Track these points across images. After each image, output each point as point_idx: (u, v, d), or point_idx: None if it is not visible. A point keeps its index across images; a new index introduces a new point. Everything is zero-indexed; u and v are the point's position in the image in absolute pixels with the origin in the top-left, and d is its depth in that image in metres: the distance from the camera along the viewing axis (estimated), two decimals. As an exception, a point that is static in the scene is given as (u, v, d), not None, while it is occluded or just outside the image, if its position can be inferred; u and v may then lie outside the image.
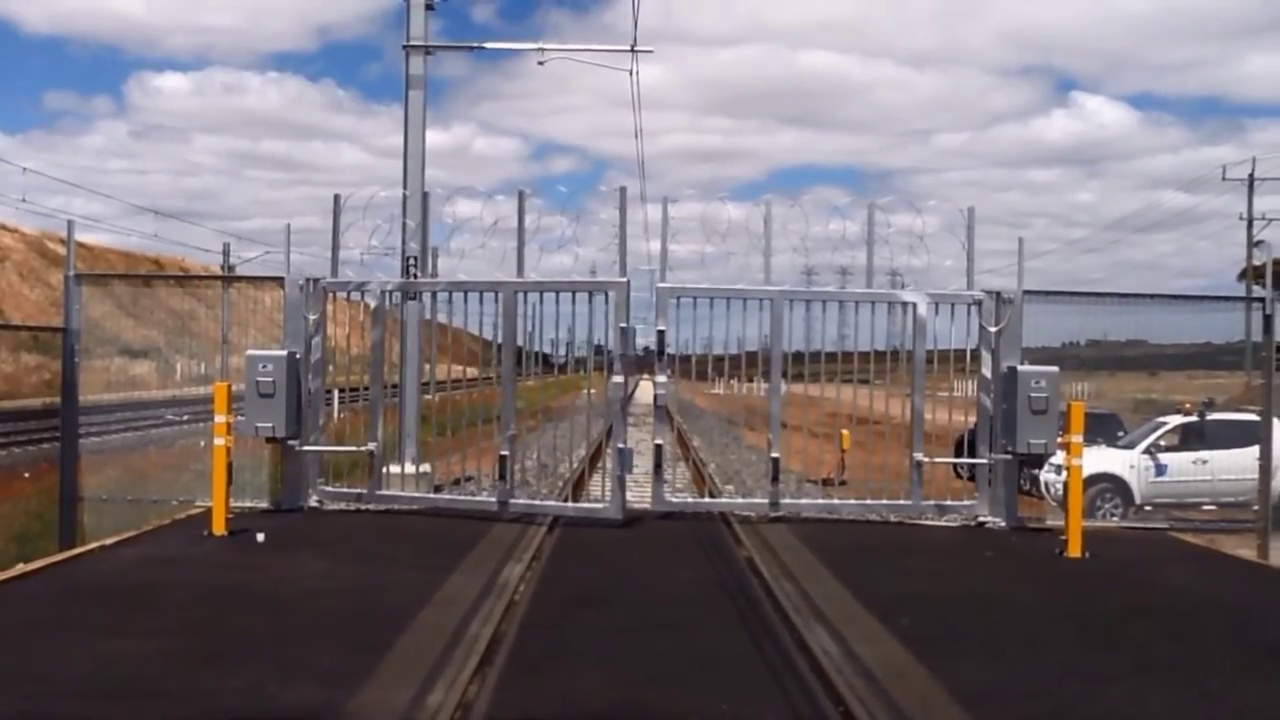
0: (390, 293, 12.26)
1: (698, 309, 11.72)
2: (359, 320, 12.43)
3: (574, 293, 11.55)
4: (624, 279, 11.33)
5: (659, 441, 11.68)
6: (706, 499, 12.16)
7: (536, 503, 11.58)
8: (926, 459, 11.69)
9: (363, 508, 11.71)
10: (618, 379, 11.26)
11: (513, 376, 11.94)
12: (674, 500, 12.05)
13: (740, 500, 12.23)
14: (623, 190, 11.52)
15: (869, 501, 11.84)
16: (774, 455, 11.67)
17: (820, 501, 12.15)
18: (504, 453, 11.35)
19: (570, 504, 11.55)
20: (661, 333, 11.53)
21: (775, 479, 11.71)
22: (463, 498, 11.87)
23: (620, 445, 11.19)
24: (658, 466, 11.68)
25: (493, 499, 11.46)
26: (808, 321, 11.98)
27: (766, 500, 11.72)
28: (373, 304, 12.14)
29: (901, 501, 11.70)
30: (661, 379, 11.69)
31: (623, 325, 11.20)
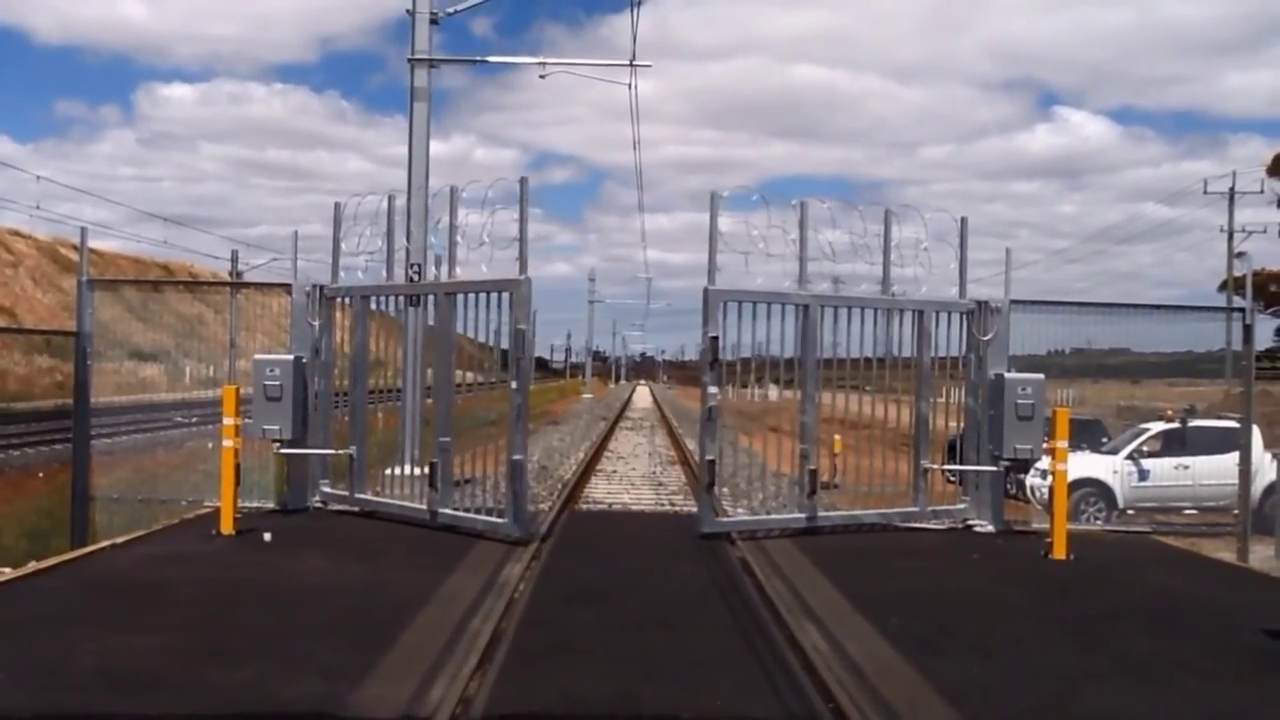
0: (365, 298, 12.08)
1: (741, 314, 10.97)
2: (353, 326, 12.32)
3: (483, 294, 10.87)
4: (523, 277, 10.44)
5: (710, 457, 10.79)
6: (751, 517, 11.15)
7: (460, 514, 10.72)
8: (934, 466, 11.69)
9: (352, 509, 11.63)
10: (514, 384, 10.45)
11: (449, 382, 11.21)
12: (723, 520, 11.16)
13: (779, 517, 11.21)
14: (523, 181, 10.65)
15: (885, 510, 11.56)
16: (811, 468, 11.14)
17: (845, 513, 11.64)
18: (434, 461, 10.90)
19: (481, 517, 10.55)
20: (715, 339, 10.67)
21: (813, 491, 11.17)
22: (411, 505, 11.33)
23: (516, 457, 10.27)
24: (710, 485, 10.88)
25: (424, 507, 11.03)
26: (835, 328, 11.45)
27: (804, 515, 11.17)
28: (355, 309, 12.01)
29: (910, 508, 11.58)
30: (713, 389, 10.73)
31: (520, 327, 10.38)
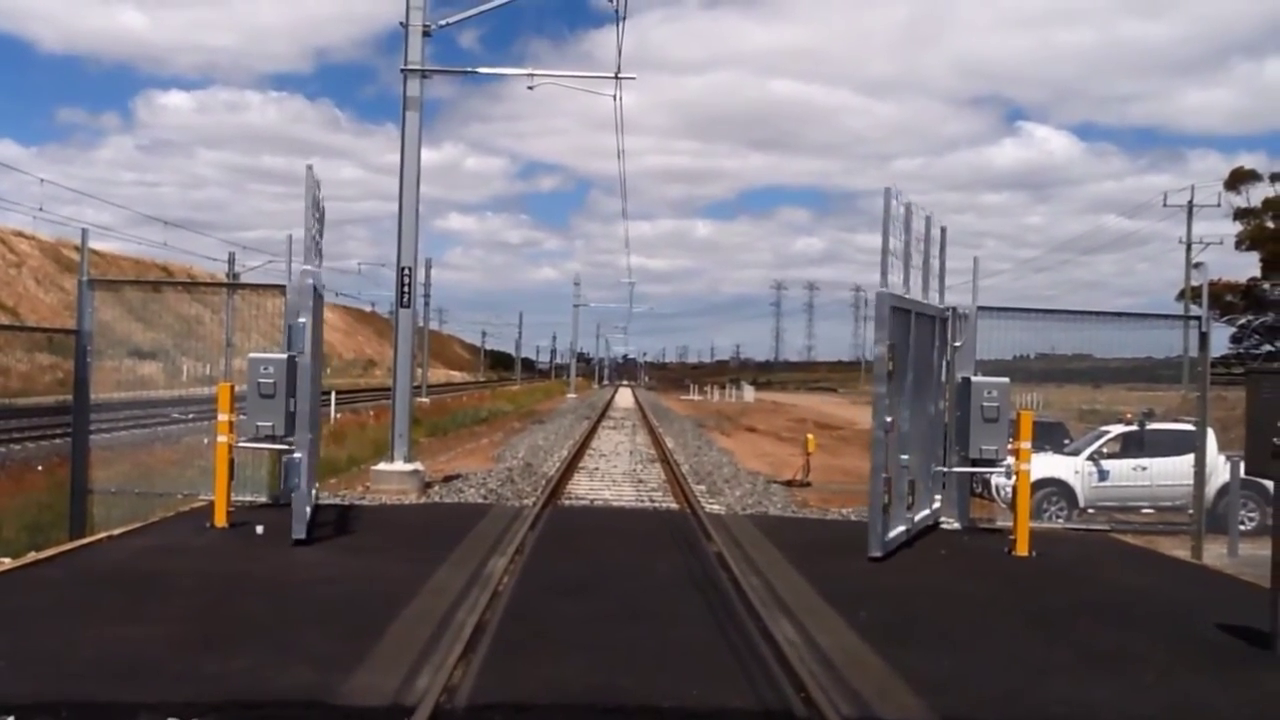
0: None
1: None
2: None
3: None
4: (310, 267, 10.14)
5: (886, 475, 9.77)
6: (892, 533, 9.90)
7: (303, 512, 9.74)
8: (942, 469, 11.69)
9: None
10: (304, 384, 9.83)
11: (309, 379, 10.31)
12: (887, 540, 9.84)
13: (893, 534, 10.05)
14: (309, 169, 10.28)
15: (920, 514, 11.12)
16: (910, 479, 10.58)
17: (915, 516, 10.87)
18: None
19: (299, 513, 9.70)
20: (893, 346, 9.93)
21: (912, 503, 10.61)
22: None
23: (293, 456, 9.70)
24: (886, 507, 9.83)
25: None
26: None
27: (904, 527, 10.45)
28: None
29: (924, 512, 11.31)
30: (888, 402, 9.80)
31: (299, 321, 9.84)
